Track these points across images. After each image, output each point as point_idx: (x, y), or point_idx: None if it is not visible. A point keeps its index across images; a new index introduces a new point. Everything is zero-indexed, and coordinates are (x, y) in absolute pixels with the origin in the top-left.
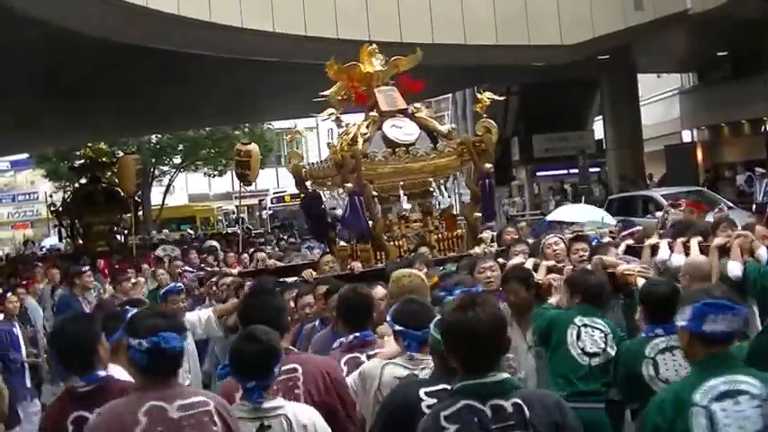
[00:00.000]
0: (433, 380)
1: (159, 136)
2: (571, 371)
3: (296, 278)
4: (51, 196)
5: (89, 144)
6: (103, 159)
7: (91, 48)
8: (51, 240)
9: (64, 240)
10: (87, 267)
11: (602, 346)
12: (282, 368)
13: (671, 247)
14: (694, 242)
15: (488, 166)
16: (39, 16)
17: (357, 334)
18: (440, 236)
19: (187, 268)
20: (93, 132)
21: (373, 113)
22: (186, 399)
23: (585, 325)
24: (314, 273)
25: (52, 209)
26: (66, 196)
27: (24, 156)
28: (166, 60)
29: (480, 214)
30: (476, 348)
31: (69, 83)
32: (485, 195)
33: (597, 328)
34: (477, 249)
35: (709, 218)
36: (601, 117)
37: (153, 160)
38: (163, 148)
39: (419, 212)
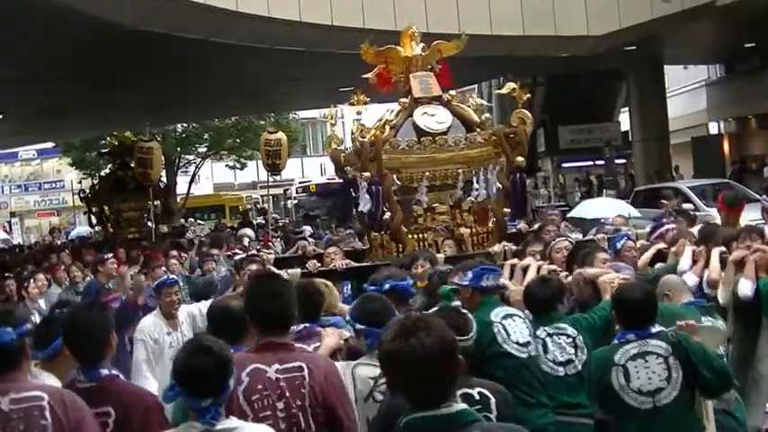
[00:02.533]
0: None
1: (185, 125)
2: (550, 386)
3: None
4: (80, 183)
5: (114, 133)
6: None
7: (117, 36)
8: (80, 229)
9: (94, 228)
10: (111, 255)
11: (572, 351)
12: (288, 365)
13: (694, 258)
14: (715, 254)
15: (520, 159)
16: (65, 3)
17: (306, 324)
18: (469, 230)
19: (231, 252)
20: (119, 121)
21: (405, 100)
22: (20, 393)
23: (550, 334)
24: (318, 264)
25: (81, 195)
26: (96, 182)
27: (51, 144)
28: (192, 49)
29: (509, 210)
30: (423, 380)
31: (95, 71)
32: (515, 190)
33: (563, 334)
34: (496, 248)
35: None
36: (627, 108)
37: (178, 149)
38: (188, 137)
39: (447, 205)
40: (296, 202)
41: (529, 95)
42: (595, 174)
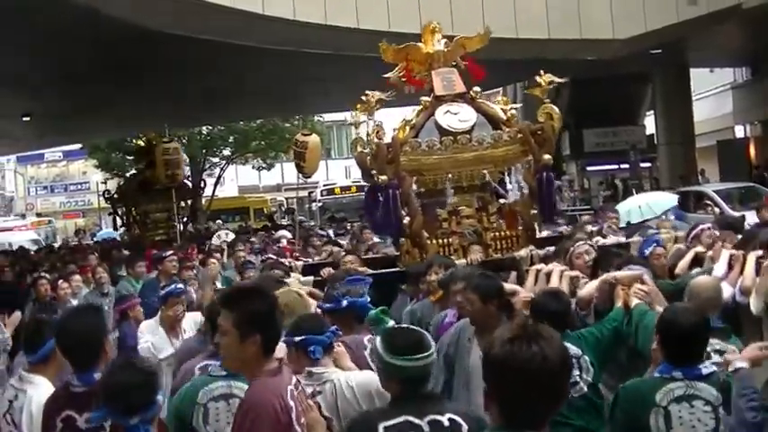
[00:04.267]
0: (393, 411)
1: (210, 127)
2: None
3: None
4: (105, 183)
5: (140, 135)
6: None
7: (143, 38)
8: (107, 231)
9: (119, 230)
10: (171, 253)
11: (577, 373)
12: None
13: (731, 263)
14: (751, 258)
15: (548, 157)
16: (92, 5)
17: None
18: (496, 234)
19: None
20: (145, 123)
21: (426, 98)
22: None
23: None
24: (332, 272)
25: (106, 196)
26: (122, 183)
27: (77, 146)
28: (218, 52)
29: (537, 212)
30: (538, 394)
31: (121, 73)
32: (542, 191)
33: None
34: (522, 252)
35: None
36: (652, 112)
37: (203, 151)
38: (213, 139)
39: (473, 208)
40: (320, 204)
41: (566, 79)
42: (620, 177)
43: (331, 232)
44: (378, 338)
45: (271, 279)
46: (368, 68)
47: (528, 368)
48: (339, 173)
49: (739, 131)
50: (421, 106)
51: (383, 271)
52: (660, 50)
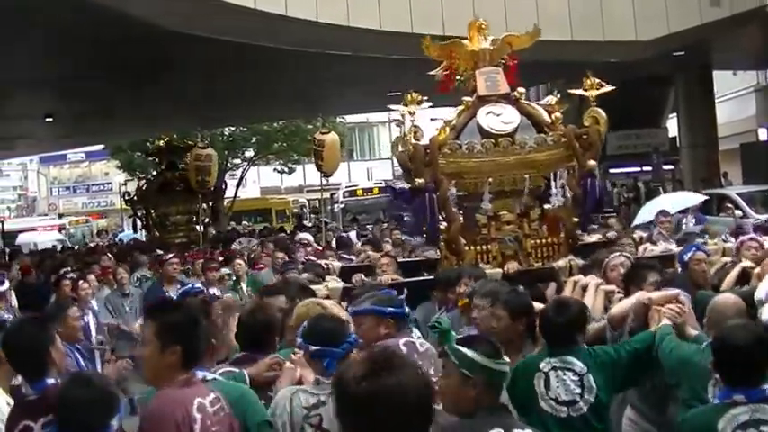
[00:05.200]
0: (484, 423)
1: (232, 129)
2: (553, 429)
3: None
4: (125, 184)
5: (162, 136)
6: (184, 144)
7: (165, 39)
8: (129, 233)
9: (140, 231)
10: (171, 256)
11: (578, 390)
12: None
13: None
14: None
15: (593, 162)
16: (112, 5)
17: (244, 353)
18: (537, 241)
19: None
20: (167, 124)
21: (468, 99)
22: None
23: (555, 368)
24: (364, 278)
25: (126, 198)
26: (142, 184)
27: (99, 147)
28: (240, 53)
29: (578, 219)
30: (401, 426)
31: (143, 74)
32: (587, 197)
33: (569, 369)
34: (561, 262)
35: None
36: (675, 114)
37: (226, 153)
38: (236, 140)
39: (514, 213)
40: (342, 206)
41: (614, 87)
42: (643, 180)
43: (353, 234)
44: (456, 346)
45: (295, 284)
46: (391, 70)
47: (392, 402)
48: (361, 175)
49: (762, 134)
50: (462, 107)
51: (412, 280)
52: (683, 52)
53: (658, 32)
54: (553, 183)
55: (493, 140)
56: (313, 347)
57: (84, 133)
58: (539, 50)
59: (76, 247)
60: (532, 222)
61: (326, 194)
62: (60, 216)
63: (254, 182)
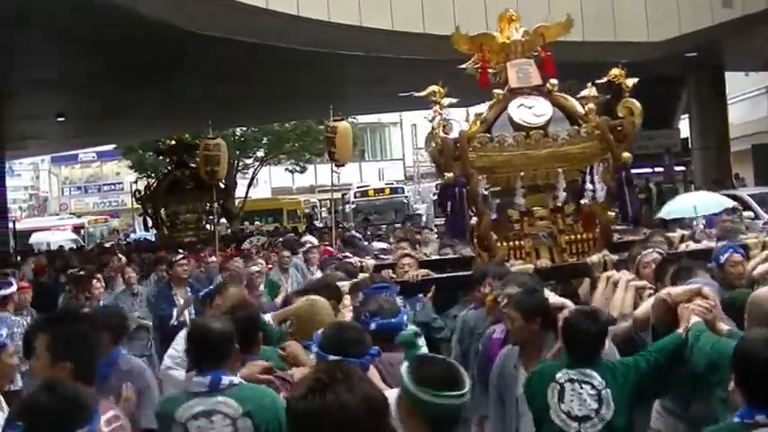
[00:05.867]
0: None
1: (244, 129)
2: None
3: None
4: (136, 182)
5: (173, 135)
6: (194, 141)
7: (176, 39)
8: (142, 233)
9: (150, 231)
10: (180, 257)
11: (594, 406)
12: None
13: None
14: None
15: (627, 155)
16: (124, 5)
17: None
18: (571, 237)
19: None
20: (179, 123)
21: (499, 91)
22: None
23: (571, 380)
24: (393, 275)
25: (137, 196)
26: (151, 183)
27: (110, 147)
28: (253, 53)
29: (614, 214)
30: None
31: (155, 73)
32: (621, 192)
33: (587, 382)
34: (594, 258)
35: None
36: (687, 115)
37: (237, 153)
38: (247, 140)
39: (548, 209)
40: (354, 206)
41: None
42: (654, 181)
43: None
44: (405, 364)
45: (322, 282)
46: (403, 71)
47: (324, 421)
48: (373, 175)
49: None
50: (494, 99)
51: (441, 276)
52: (695, 53)
53: (670, 33)
54: (588, 176)
55: (524, 133)
56: (332, 357)
57: (95, 133)
58: (550, 51)
59: (90, 246)
60: (567, 217)
61: (338, 195)
62: (78, 216)
63: (266, 182)
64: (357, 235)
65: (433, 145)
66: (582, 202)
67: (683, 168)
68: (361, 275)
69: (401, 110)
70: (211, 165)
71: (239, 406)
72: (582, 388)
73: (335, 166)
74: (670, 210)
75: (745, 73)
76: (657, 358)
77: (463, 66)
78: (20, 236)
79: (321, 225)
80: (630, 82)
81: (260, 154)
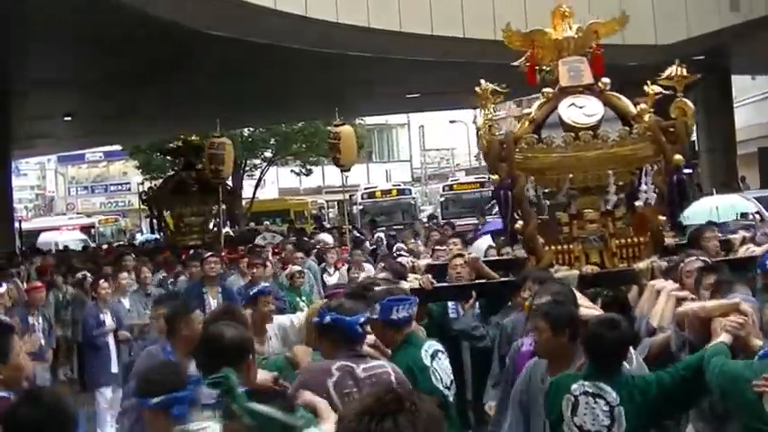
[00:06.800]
0: None
1: (251, 129)
2: None
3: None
4: (143, 184)
5: (181, 136)
6: (202, 143)
7: (183, 39)
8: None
9: (155, 233)
10: (209, 254)
11: (606, 422)
12: (372, 363)
13: None
14: None
15: (679, 157)
16: (132, 6)
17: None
18: (622, 241)
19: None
20: (187, 124)
21: (549, 90)
22: None
23: (586, 393)
24: (433, 280)
25: (143, 197)
26: (156, 184)
27: (118, 147)
28: (261, 53)
29: (665, 218)
30: None
31: (162, 74)
32: (672, 195)
33: (601, 397)
34: (641, 264)
35: None
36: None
37: (245, 153)
38: (255, 141)
39: (598, 211)
40: (361, 207)
41: (700, 75)
42: None
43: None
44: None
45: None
46: (410, 72)
47: None
48: (380, 176)
49: None
50: (544, 98)
51: (485, 281)
52: (702, 57)
53: (678, 37)
54: (644, 179)
55: (573, 134)
56: (154, 400)
57: (103, 133)
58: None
59: (104, 246)
60: (617, 221)
61: (345, 196)
62: (88, 215)
63: (273, 183)
64: (359, 235)
65: (485, 143)
66: (636, 204)
67: (689, 171)
68: (411, 276)
69: (409, 111)
70: (216, 163)
71: None
72: (596, 402)
73: (342, 170)
74: (688, 215)
75: (752, 76)
76: (684, 375)
77: (516, 63)
78: (27, 236)
79: (329, 226)
80: (682, 83)
81: (267, 154)
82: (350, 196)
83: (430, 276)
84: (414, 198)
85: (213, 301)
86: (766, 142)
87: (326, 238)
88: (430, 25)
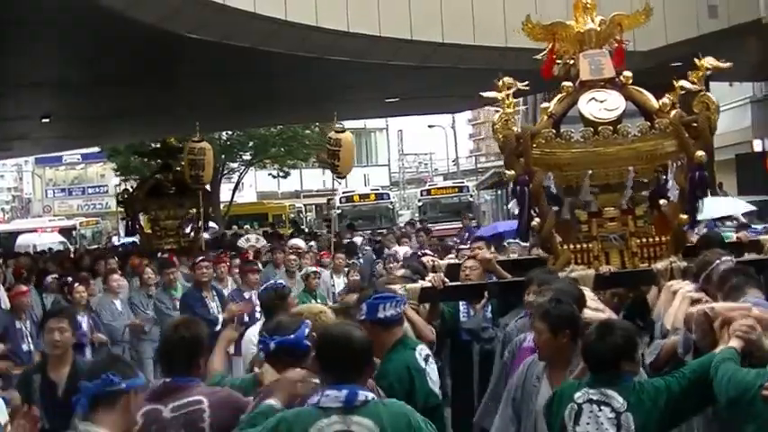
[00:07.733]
0: None
1: (230, 132)
2: None
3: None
4: (120, 185)
5: (160, 139)
6: (180, 145)
7: (165, 43)
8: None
9: (131, 235)
10: (201, 259)
11: (611, 431)
12: (185, 400)
13: None
14: None
15: (701, 153)
16: (117, 9)
17: (170, 378)
18: (643, 240)
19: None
20: (166, 127)
21: (568, 84)
22: None
23: (590, 400)
24: (445, 279)
25: (120, 199)
26: (130, 186)
27: (96, 149)
28: (241, 57)
29: (686, 216)
30: None
31: (143, 77)
32: (693, 193)
33: (606, 404)
34: (659, 265)
35: None
36: None
37: (222, 156)
38: (233, 144)
39: (619, 209)
40: (339, 211)
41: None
42: None
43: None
44: None
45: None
46: (389, 76)
47: None
48: (358, 180)
49: (757, 145)
50: (563, 92)
51: (494, 281)
52: (680, 63)
53: (656, 43)
54: (671, 175)
55: (592, 129)
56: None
57: (81, 135)
58: (535, 60)
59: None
60: (638, 219)
61: (323, 200)
62: (68, 218)
63: (251, 186)
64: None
65: (503, 134)
66: (662, 202)
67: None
68: (430, 275)
69: (388, 115)
70: (196, 169)
71: (375, 426)
72: (600, 410)
73: (337, 178)
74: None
75: (730, 83)
76: (690, 379)
77: (537, 57)
78: (4, 237)
79: (306, 230)
80: (702, 77)
81: (246, 158)
82: (328, 200)
83: (442, 275)
84: (392, 202)
85: (213, 304)
86: (744, 149)
87: (299, 242)
88: (409, 30)
